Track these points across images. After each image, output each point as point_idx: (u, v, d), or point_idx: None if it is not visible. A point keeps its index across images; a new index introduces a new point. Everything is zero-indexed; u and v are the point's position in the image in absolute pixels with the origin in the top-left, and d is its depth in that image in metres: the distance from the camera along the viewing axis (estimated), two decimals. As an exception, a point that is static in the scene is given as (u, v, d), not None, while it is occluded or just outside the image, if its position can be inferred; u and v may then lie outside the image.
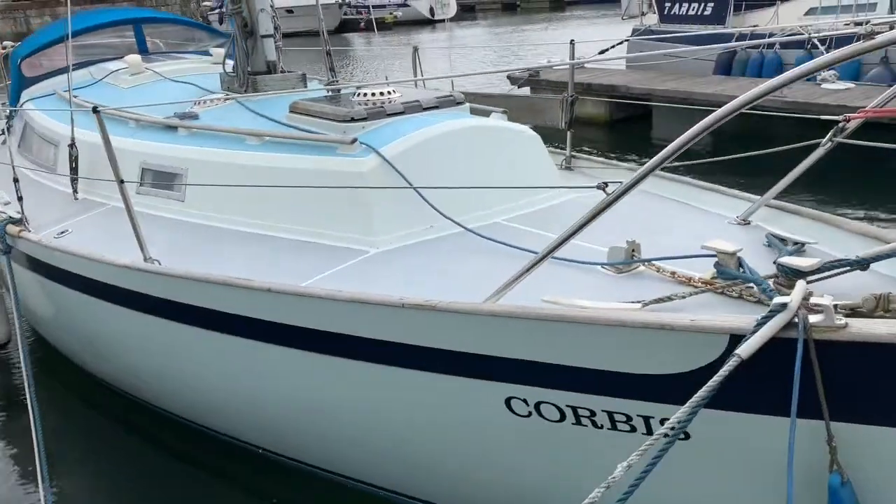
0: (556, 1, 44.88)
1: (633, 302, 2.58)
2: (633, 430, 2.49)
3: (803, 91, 10.05)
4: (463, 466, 2.97)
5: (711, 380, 1.95)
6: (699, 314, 2.20)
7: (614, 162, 4.85)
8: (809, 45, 11.23)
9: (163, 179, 4.67)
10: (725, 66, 12.35)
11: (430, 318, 2.62)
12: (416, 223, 3.59)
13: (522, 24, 37.66)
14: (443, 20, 41.09)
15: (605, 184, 2.57)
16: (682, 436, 2.39)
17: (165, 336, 3.76)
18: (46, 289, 4.66)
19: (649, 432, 2.45)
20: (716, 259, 2.71)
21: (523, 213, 3.77)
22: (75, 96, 6.59)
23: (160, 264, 3.72)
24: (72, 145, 5.17)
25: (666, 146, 2.29)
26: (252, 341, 3.29)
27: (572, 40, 4.86)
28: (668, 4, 14.02)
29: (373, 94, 4.24)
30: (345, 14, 37.15)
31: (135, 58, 6.81)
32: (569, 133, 5.03)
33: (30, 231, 4.72)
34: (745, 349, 1.94)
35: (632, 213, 3.78)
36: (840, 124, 3.02)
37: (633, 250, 2.95)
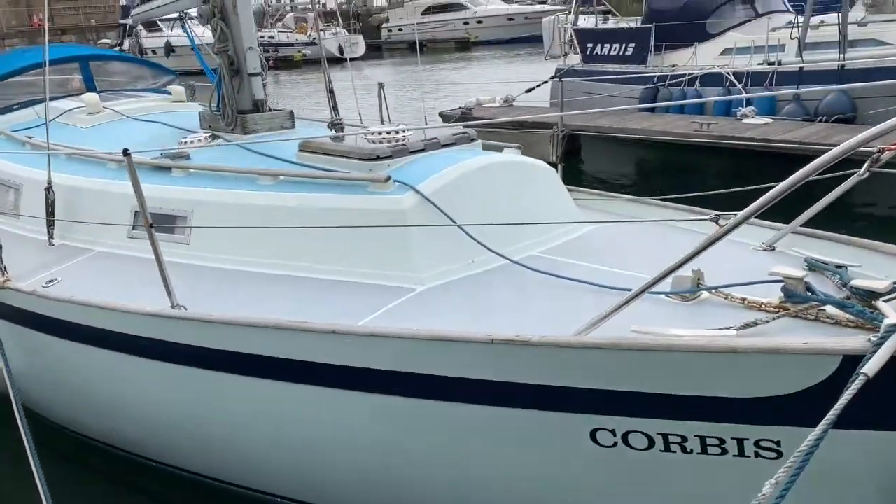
0: (460, 42, 45.87)
1: (724, 328, 2.68)
2: (725, 452, 2.57)
3: (728, 126, 10.68)
4: (546, 501, 2.98)
5: (841, 399, 2.06)
6: (789, 337, 2.32)
7: (608, 193, 5.03)
8: (728, 83, 11.98)
9: (162, 222, 4.48)
10: (649, 103, 12.95)
11: (518, 353, 2.64)
12: (458, 258, 3.61)
13: (431, 63, 38.28)
14: (351, 59, 41.32)
15: (718, 216, 2.68)
16: (774, 455, 2.51)
17: (200, 387, 3.60)
18: (38, 344, 4.35)
19: (742, 454, 2.55)
20: (783, 284, 2.86)
21: (555, 244, 3.86)
22: (29, 137, 6.30)
23: (186, 309, 3.58)
24: (48, 188, 4.92)
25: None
26: (309, 387, 3.20)
27: (560, 78, 5.04)
28: (589, 45, 14.63)
29: (387, 133, 4.26)
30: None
31: (92, 96, 6.56)
32: (560, 167, 5.19)
33: (10, 281, 4.44)
34: (870, 367, 2.06)
35: (646, 243, 3.94)
36: (875, 155, 3.24)
37: (698, 278, 3.07)
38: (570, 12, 16.12)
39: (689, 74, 12.42)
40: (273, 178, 4.19)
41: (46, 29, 5.04)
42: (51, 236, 4.99)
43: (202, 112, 5.62)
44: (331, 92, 5.13)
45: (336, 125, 4.88)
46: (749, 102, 11.52)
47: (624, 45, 13.87)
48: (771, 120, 10.76)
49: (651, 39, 13.27)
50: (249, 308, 3.52)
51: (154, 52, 29.81)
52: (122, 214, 4.68)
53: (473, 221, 3.64)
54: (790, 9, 13.39)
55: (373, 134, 4.30)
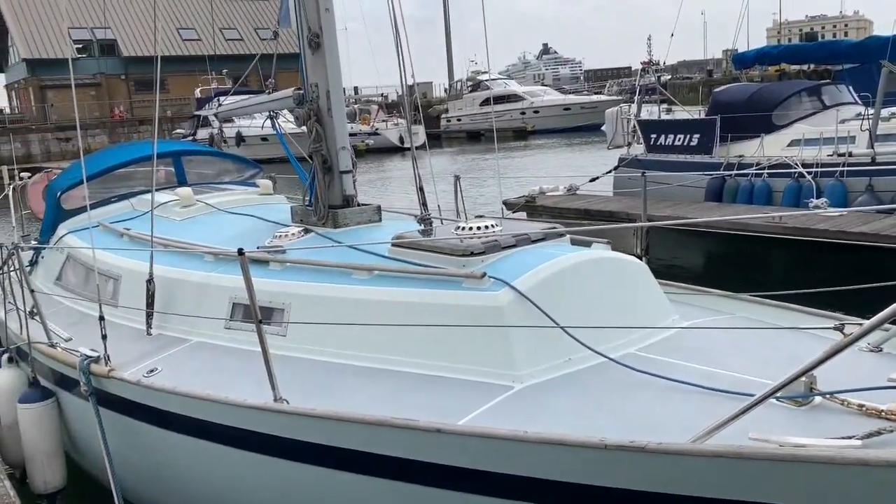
0: (518, 130, 46.84)
1: (846, 438, 2.63)
2: None
3: (801, 218, 10.57)
4: None
5: None
6: None
7: (700, 288, 4.99)
8: (797, 175, 11.93)
9: (261, 314, 4.62)
10: (716, 194, 12.95)
11: (633, 459, 2.62)
12: (555, 356, 3.62)
13: (489, 152, 39.10)
14: (410, 148, 42.47)
15: (843, 325, 2.67)
16: None
17: (301, 482, 3.63)
18: (140, 433, 4.47)
19: None
20: None
21: (652, 342, 3.84)
22: (127, 229, 6.62)
23: (288, 403, 3.65)
24: (150, 281, 5.13)
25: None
26: (411, 485, 3.21)
27: (643, 173, 5.12)
28: (653, 136, 14.80)
29: (478, 228, 4.37)
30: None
31: (186, 190, 6.90)
32: (644, 259, 5.20)
33: (115, 370, 4.60)
34: None
35: (745, 341, 3.90)
36: None
37: (811, 383, 3.03)
38: (632, 103, 16.38)
39: (758, 165, 12.43)
40: (368, 273, 4.31)
41: (156, 131, 5.35)
42: (149, 326, 5.18)
43: (294, 207, 5.85)
44: (421, 189, 5.29)
45: (425, 220, 5.02)
46: (820, 193, 11.44)
47: (689, 136, 13.99)
48: (845, 212, 10.62)
49: (717, 130, 13.35)
50: (348, 402, 3.57)
51: (225, 141, 31.31)
52: (219, 306, 4.85)
53: (569, 318, 3.67)
54: (858, 101, 13.39)
55: (464, 229, 4.41)
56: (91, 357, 4.75)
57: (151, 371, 4.57)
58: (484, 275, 3.81)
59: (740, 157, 13.11)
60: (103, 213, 7.36)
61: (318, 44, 5.29)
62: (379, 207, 5.62)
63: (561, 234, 4.47)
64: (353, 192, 5.54)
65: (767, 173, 12.34)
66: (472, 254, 4.05)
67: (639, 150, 15.31)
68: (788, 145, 12.77)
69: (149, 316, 5.17)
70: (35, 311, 6.09)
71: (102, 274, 6.14)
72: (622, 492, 2.70)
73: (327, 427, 3.39)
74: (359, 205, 5.58)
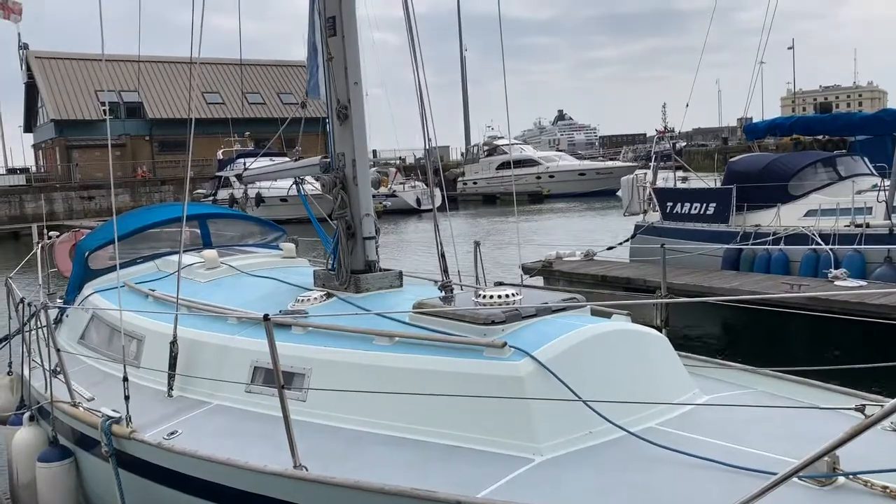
0: (533, 194, 47.28)
1: None
2: None
3: (820, 287, 10.53)
4: None
5: None
6: None
7: (720, 361, 5.00)
8: (814, 244, 11.95)
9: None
10: (733, 262, 12.96)
11: None
12: (576, 428, 3.63)
13: (502, 216, 39.43)
14: (428, 210, 42.95)
15: (863, 406, 2.68)
16: None
17: None
18: (160, 496, 4.48)
19: None
20: None
21: (673, 416, 3.84)
22: (152, 290, 6.73)
23: (307, 470, 3.67)
24: (173, 343, 5.20)
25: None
26: None
27: (663, 245, 5.19)
28: (669, 203, 14.91)
29: (499, 297, 4.43)
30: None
31: (211, 253, 7.03)
32: (664, 331, 5.22)
33: (136, 432, 4.64)
34: None
35: (766, 418, 3.89)
36: None
37: (834, 462, 3.02)
38: (648, 170, 16.56)
39: (775, 234, 12.47)
40: (389, 340, 4.36)
41: (186, 195, 5.50)
42: (171, 388, 5.23)
43: (317, 271, 5.95)
44: (442, 256, 5.38)
45: (446, 287, 5.09)
46: (839, 264, 11.43)
47: (705, 205, 14.09)
48: (864, 282, 10.59)
49: (733, 200, 13.45)
50: (367, 470, 3.59)
51: (238, 204, 31.82)
52: (241, 369, 4.90)
53: (589, 390, 3.69)
54: (874, 172, 13.48)
55: (484, 297, 4.47)
56: (113, 418, 4.79)
57: (172, 434, 4.60)
58: (504, 344, 3.86)
59: (757, 226, 13.16)
60: (129, 273, 7.49)
61: (346, 115, 5.47)
62: (401, 273, 5.70)
63: (581, 306, 4.52)
64: (376, 257, 5.64)
65: (784, 243, 12.37)
66: (492, 322, 4.10)
67: (655, 217, 15.40)
68: (805, 215, 12.82)
69: (170, 378, 5.22)
70: (59, 369, 6.17)
71: (127, 334, 6.24)
72: None
73: (346, 495, 3.40)
74: (381, 270, 5.67)
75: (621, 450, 3.51)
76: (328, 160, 5.68)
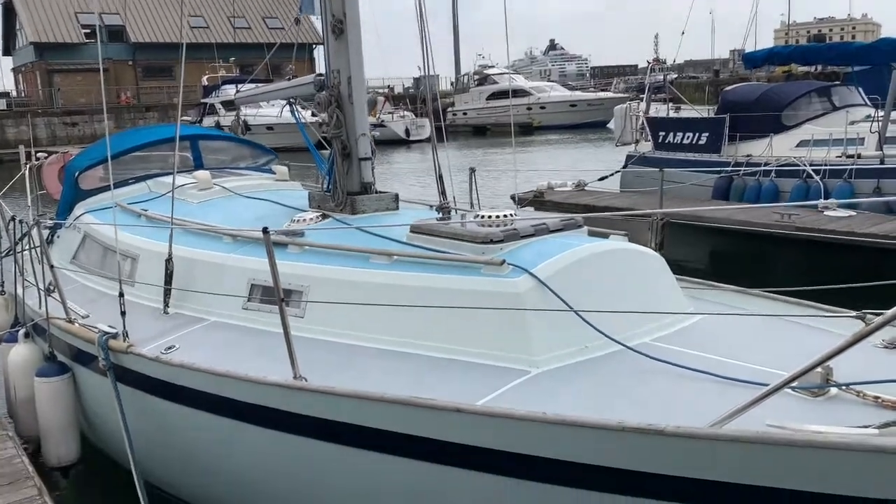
0: (523, 126, 46.85)
1: (862, 427, 2.69)
2: None
3: (811, 218, 10.60)
4: None
5: None
6: None
7: (711, 283, 5.05)
8: (805, 175, 11.98)
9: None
10: (723, 192, 13.00)
11: (650, 442, 2.68)
12: (572, 343, 3.69)
13: (494, 147, 39.11)
14: (417, 140, 42.58)
15: (864, 314, 2.72)
16: None
17: (317, 458, 3.70)
18: (158, 409, 4.55)
19: None
20: None
21: (666, 333, 3.91)
22: (145, 210, 6.69)
23: (307, 381, 3.72)
24: (169, 260, 5.20)
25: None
26: (426, 464, 3.28)
27: (661, 168, 5.18)
28: (661, 133, 14.84)
29: (497, 217, 4.43)
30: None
31: (204, 173, 6.96)
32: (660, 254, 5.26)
33: (133, 346, 4.67)
34: None
35: (757, 334, 3.96)
36: None
37: (827, 374, 3.09)
38: (641, 101, 16.41)
39: (766, 165, 12.48)
40: (388, 258, 4.37)
41: (179, 114, 5.41)
42: (167, 304, 5.26)
43: (312, 192, 5.92)
44: (440, 177, 5.36)
45: (444, 209, 5.08)
46: (828, 195, 11.49)
47: (697, 135, 14.03)
48: (854, 213, 10.67)
49: (726, 129, 13.40)
50: (366, 382, 3.64)
51: (230, 128, 31.39)
52: (237, 287, 4.92)
53: (586, 307, 3.74)
54: (868, 103, 13.43)
55: (483, 218, 4.48)
56: (109, 333, 4.82)
57: (170, 348, 4.65)
58: (503, 262, 3.88)
59: (748, 156, 13.15)
60: (120, 193, 7.41)
61: (341, 30, 5.35)
62: (397, 196, 5.69)
63: (579, 225, 4.54)
64: (372, 179, 5.61)
65: (775, 173, 12.40)
66: (491, 241, 4.11)
67: (647, 147, 15.35)
68: (797, 146, 12.82)
69: (167, 294, 5.24)
70: (53, 287, 6.17)
71: (121, 253, 6.22)
72: (637, 474, 2.77)
73: (346, 405, 3.46)
74: (376, 192, 5.65)
75: (617, 363, 3.58)
76: (322, 78, 5.58)
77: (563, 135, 43.84)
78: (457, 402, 3.12)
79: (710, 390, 3.21)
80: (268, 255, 3.67)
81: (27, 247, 7.20)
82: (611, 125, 47.35)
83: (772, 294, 4.67)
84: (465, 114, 52.20)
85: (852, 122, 12.34)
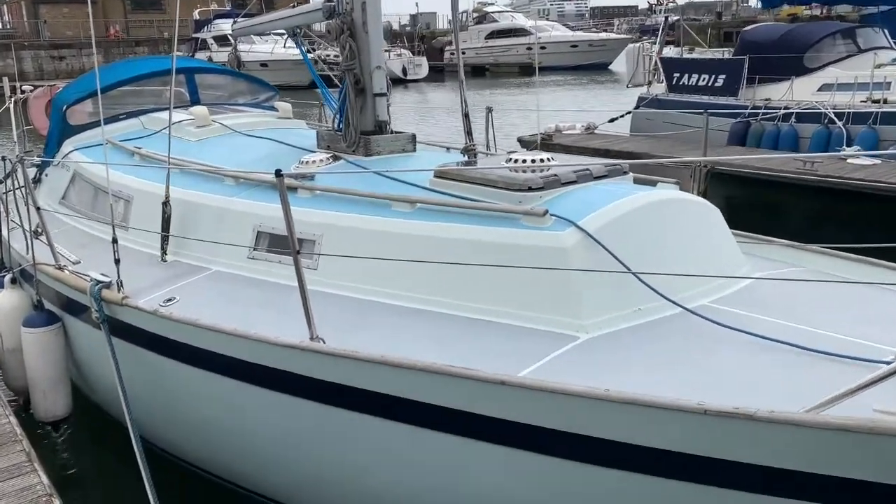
0: (524, 66, 45.76)
1: None
2: None
3: (834, 167, 10.16)
4: None
5: None
6: None
7: (762, 237, 4.60)
8: (826, 121, 11.49)
9: (285, 245, 4.26)
10: (740, 138, 12.51)
11: (737, 428, 2.31)
12: (623, 305, 3.28)
13: (494, 87, 38.16)
14: (414, 80, 41.57)
15: None
16: None
17: (332, 426, 3.34)
18: (156, 367, 4.17)
19: None
20: None
21: (725, 294, 3.50)
22: (139, 148, 6.20)
23: (324, 343, 3.33)
24: (166, 203, 4.76)
25: None
26: (464, 439, 2.92)
27: (706, 111, 4.72)
28: (676, 75, 14.25)
29: (532, 161, 3.99)
30: (320, 70, 37.11)
31: (201, 109, 6.45)
32: None
33: (129, 298, 4.26)
34: None
35: (824, 297, 3.57)
36: None
37: None
38: (654, 42, 15.75)
39: (786, 108, 11.97)
40: (410, 206, 3.94)
41: (175, 44, 4.90)
42: (164, 252, 4.83)
43: (321, 132, 5.44)
44: (465, 116, 4.87)
45: (469, 151, 4.62)
46: (851, 141, 11.03)
47: (714, 76, 13.46)
48: (879, 161, 10.23)
49: (745, 71, 12.82)
50: (388, 344, 3.26)
51: (223, 65, 30.37)
52: (242, 234, 4.49)
53: (638, 263, 3.32)
54: (894, 46, 12.85)
55: (515, 162, 4.03)
56: (103, 282, 4.40)
57: (169, 300, 4.23)
58: (546, 212, 3.44)
59: (767, 100, 12.63)
60: (111, 130, 6.90)
61: (355, -51, 4.79)
62: (414, 136, 5.21)
63: (624, 172, 4.09)
64: (387, 117, 5.12)
65: (796, 118, 11.89)
66: (529, 188, 3.67)
67: (659, 89, 14.77)
68: (819, 90, 12.29)
69: (164, 240, 4.81)
70: (40, 230, 5.73)
71: (114, 194, 5.76)
72: (719, 462, 2.41)
73: (370, 372, 3.08)
74: (392, 132, 5.17)
75: (676, 329, 3.18)
76: (333, 4, 5.04)
77: (565, 76, 42.84)
78: (501, 375, 2.74)
79: (792, 364, 2.82)
80: (282, 202, 3.23)
81: (12, 187, 6.73)
82: (613, 67, 46.58)
83: (827, 250, 4.26)
84: (463, 53, 50.83)
85: (878, 66, 11.79)
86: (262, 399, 3.63)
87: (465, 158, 4.53)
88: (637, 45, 15.54)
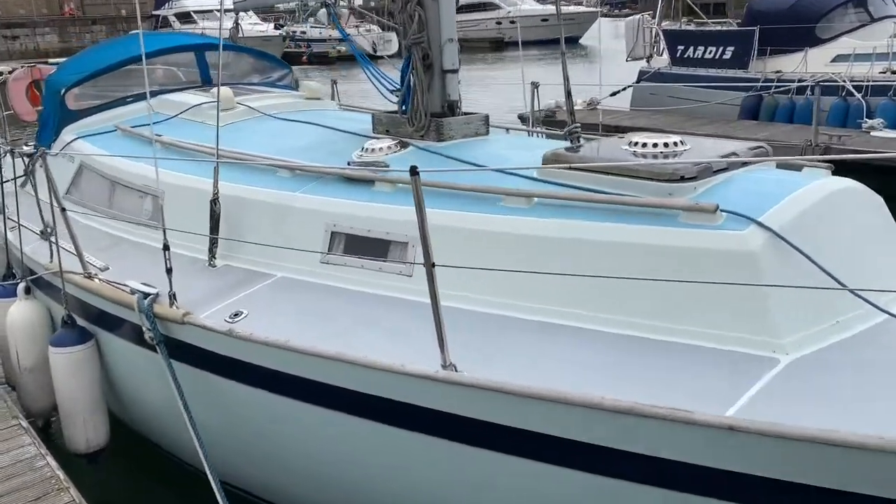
0: (494, 41, 45.02)
1: None
2: None
3: (859, 140, 9.82)
4: None
5: None
6: None
7: None
8: (844, 93, 11.16)
9: (373, 248, 3.69)
10: (752, 112, 12.16)
11: None
12: (821, 318, 2.76)
13: (465, 64, 37.41)
14: (383, 56, 40.60)
15: None
16: None
17: (476, 470, 2.82)
18: (222, 394, 3.59)
19: None
20: None
21: None
22: (158, 135, 5.52)
23: (457, 370, 2.80)
24: (215, 200, 4.14)
25: None
26: (665, 491, 2.43)
27: (816, 84, 4.22)
28: (680, 47, 13.81)
29: (660, 145, 3.47)
30: (287, 47, 36.02)
31: (225, 90, 5.77)
32: None
33: (191, 314, 3.66)
34: None
35: None
36: None
37: None
38: (654, 14, 15.27)
39: (801, 80, 11.60)
40: (527, 201, 3.39)
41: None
42: (213, 255, 4.22)
43: (378, 115, 4.85)
44: (569, 95, 4.32)
45: (573, 134, 4.09)
46: (871, 114, 10.72)
47: (721, 48, 13.05)
48: (909, 133, 9.93)
49: (755, 42, 12.43)
50: (538, 372, 2.74)
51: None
52: (312, 234, 3.91)
53: (829, 266, 2.83)
54: (905, 14, 12.58)
55: (637, 145, 3.51)
56: (150, 293, 3.80)
57: (236, 315, 3.63)
58: (717, 207, 2.92)
59: (778, 72, 12.27)
60: (118, 115, 6.23)
61: None
62: (487, 117, 4.66)
63: (770, 158, 3.57)
64: (458, 96, 4.55)
65: (811, 90, 11.53)
66: (682, 179, 3.14)
67: (661, 62, 14.33)
68: (832, 60, 11.95)
69: (212, 242, 4.20)
70: (50, 230, 5.07)
71: (135, 188, 5.11)
72: None
73: (526, 408, 2.56)
74: (463, 113, 4.61)
75: (884, 346, 2.69)
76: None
77: (541, 50, 42.24)
78: (727, 418, 2.24)
79: None
80: (416, 204, 2.67)
81: (13, 180, 6.02)
82: (583, 41, 46.07)
83: None
84: (430, 28, 49.92)
85: (894, 35, 11.48)
86: (368, 433, 3.09)
87: (569, 143, 4.00)
88: (637, 17, 15.03)
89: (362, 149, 4.41)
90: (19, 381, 4.97)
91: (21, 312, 4.80)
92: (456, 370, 2.79)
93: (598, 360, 2.80)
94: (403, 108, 4.55)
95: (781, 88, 11.69)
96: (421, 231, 2.68)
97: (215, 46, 6.96)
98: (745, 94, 12.06)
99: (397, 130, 4.60)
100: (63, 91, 6.22)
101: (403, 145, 4.42)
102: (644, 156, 3.43)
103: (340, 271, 3.76)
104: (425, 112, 4.40)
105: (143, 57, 4.15)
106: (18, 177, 6.04)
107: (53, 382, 4.45)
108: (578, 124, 4.16)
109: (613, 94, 14.01)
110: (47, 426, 5.18)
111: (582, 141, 4.12)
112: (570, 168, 3.38)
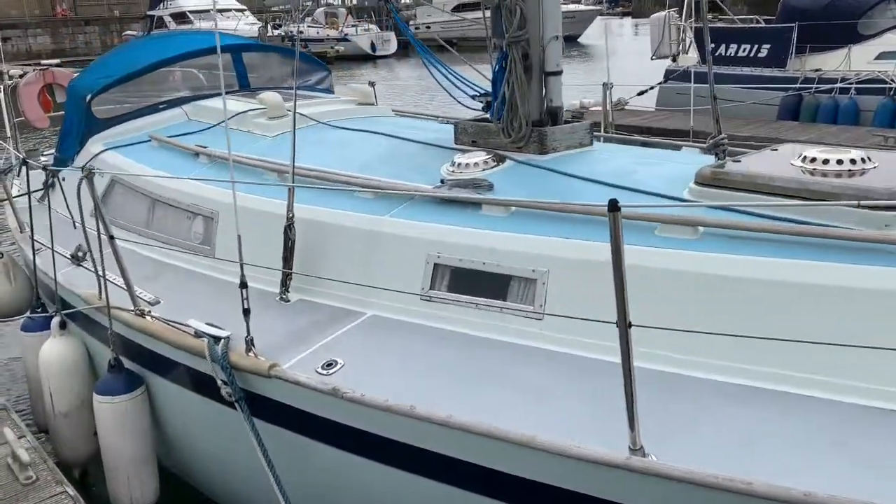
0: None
1: None
2: None
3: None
4: None
5: None
6: None
7: None
8: (893, 92, 10.68)
9: (488, 284, 3.12)
10: (791, 112, 11.66)
11: None
12: None
13: (462, 63, 36.77)
14: (383, 56, 39.94)
15: None
16: None
17: None
18: (313, 458, 3.02)
19: None
20: None
21: None
22: (203, 147, 4.95)
23: (654, 458, 2.24)
24: (289, 226, 3.57)
25: None
26: None
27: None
28: (712, 45, 13.26)
29: (845, 162, 2.92)
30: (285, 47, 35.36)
31: (274, 97, 5.21)
32: None
33: (278, 366, 3.08)
34: None
35: None
36: None
37: None
38: (680, 12, 14.73)
39: (844, 79, 11.11)
40: (693, 231, 2.84)
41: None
42: (286, 288, 3.64)
43: (462, 123, 4.29)
44: (714, 98, 3.77)
45: (718, 147, 3.53)
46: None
47: (757, 46, 12.54)
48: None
49: (794, 40, 11.93)
50: (751, 455, 2.19)
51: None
52: (409, 265, 3.34)
53: None
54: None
55: (812, 161, 2.97)
56: (222, 338, 3.22)
57: (329, 365, 3.05)
58: None
59: (818, 70, 11.77)
60: (150, 124, 5.65)
61: None
62: (591, 126, 4.11)
63: None
64: (562, 102, 4.00)
65: (855, 89, 11.06)
66: None
67: (690, 60, 13.78)
68: (876, 58, 11.47)
69: (286, 275, 3.63)
70: (83, 254, 4.51)
71: (183, 209, 4.52)
72: None
73: None
74: (566, 121, 4.06)
75: None
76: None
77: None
78: None
79: None
80: (612, 240, 2.09)
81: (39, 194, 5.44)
82: (582, 39, 45.54)
83: None
84: (428, 27, 49.27)
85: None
86: None
87: (716, 158, 3.45)
88: (663, 13, 14.48)
89: (452, 163, 3.85)
90: (53, 426, 4.40)
91: (56, 350, 4.23)
92: (644, 454, 2.23)
93: (825, 438, 2.24)
94: (497, 115, 3.98)
95: (822, 88, 11.20)
96: (617, 284, 2.10)
97: (251, 48, 6.40)
98: (783, 94, 11.57)
99: (487, 141, 4.04)
100: (89, 98, 5.62)
101: (500, 159, 3.86)
102: (825, 174, 2.88)
103: (446, 310, 3.20)
104: (526, 120, 3.84)
105: (219, 53, 3.54)
106: (35, 190, 5.44)
107: (98, 432, 3.88)
108: (725, 135, 3.59)
109: (640, 93, 13.47)
110: (83, 475, 4.61)
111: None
112: (752, 190, 2.83)
